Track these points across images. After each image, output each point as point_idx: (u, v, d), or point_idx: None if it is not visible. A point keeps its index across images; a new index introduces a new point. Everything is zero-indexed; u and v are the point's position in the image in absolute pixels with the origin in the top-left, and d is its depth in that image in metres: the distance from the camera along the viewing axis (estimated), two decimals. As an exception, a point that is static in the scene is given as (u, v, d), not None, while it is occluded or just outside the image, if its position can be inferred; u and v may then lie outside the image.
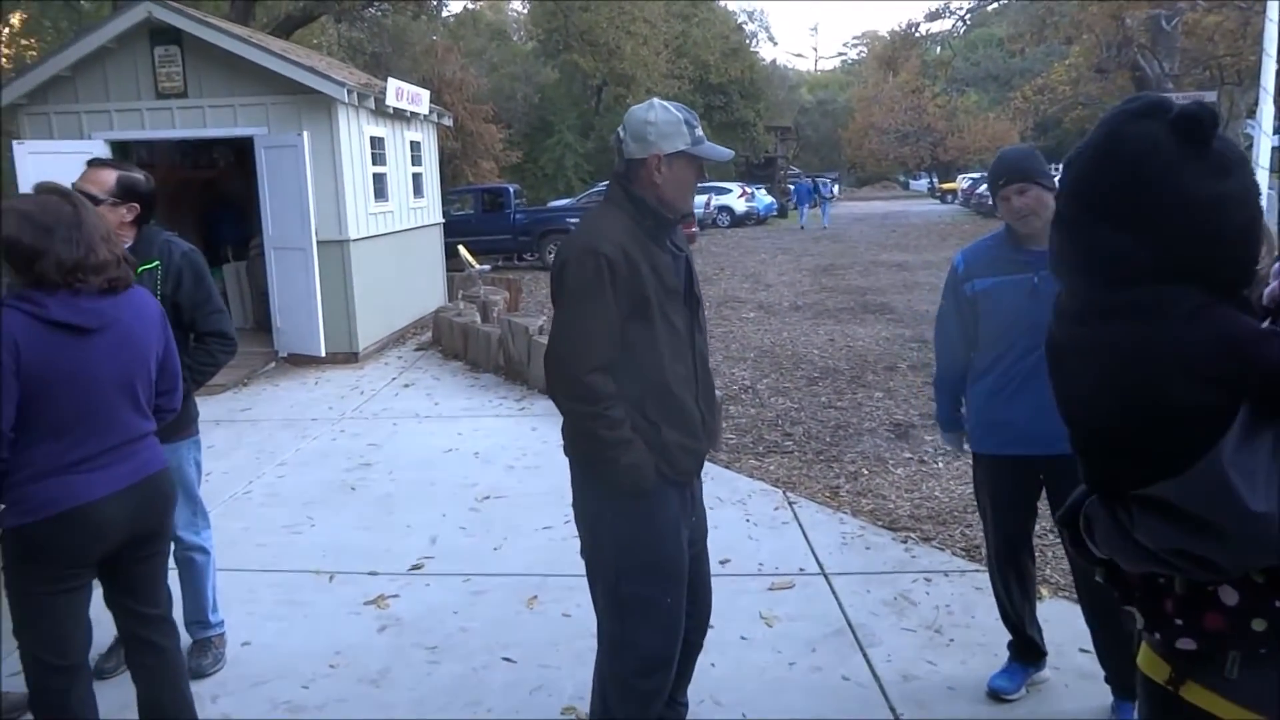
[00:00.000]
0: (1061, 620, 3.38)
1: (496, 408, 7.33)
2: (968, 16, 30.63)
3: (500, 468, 5.73)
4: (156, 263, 3.13)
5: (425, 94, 11.83)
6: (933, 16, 31.30)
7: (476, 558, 4.35)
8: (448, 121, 13.56)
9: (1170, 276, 1.31)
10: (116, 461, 2.40)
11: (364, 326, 9.49)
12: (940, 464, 5.49)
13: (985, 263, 2.95)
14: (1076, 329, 1.43)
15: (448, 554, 4.41)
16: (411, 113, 11.19)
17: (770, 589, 3.93)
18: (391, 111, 10.48)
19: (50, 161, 7.58)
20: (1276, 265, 1.40)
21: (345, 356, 9.26)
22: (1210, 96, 18.72)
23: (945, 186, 44.50)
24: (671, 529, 2.44)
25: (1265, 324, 1.34)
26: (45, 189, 2.42)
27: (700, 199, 26.02)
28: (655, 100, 2.44)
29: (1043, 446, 2.77)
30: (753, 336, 10.04)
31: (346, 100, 9.01)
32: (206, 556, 3.46)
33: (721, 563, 4.01)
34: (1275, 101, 7.49)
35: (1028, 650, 3.11)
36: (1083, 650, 3.14)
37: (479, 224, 17.87)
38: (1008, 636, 3.13)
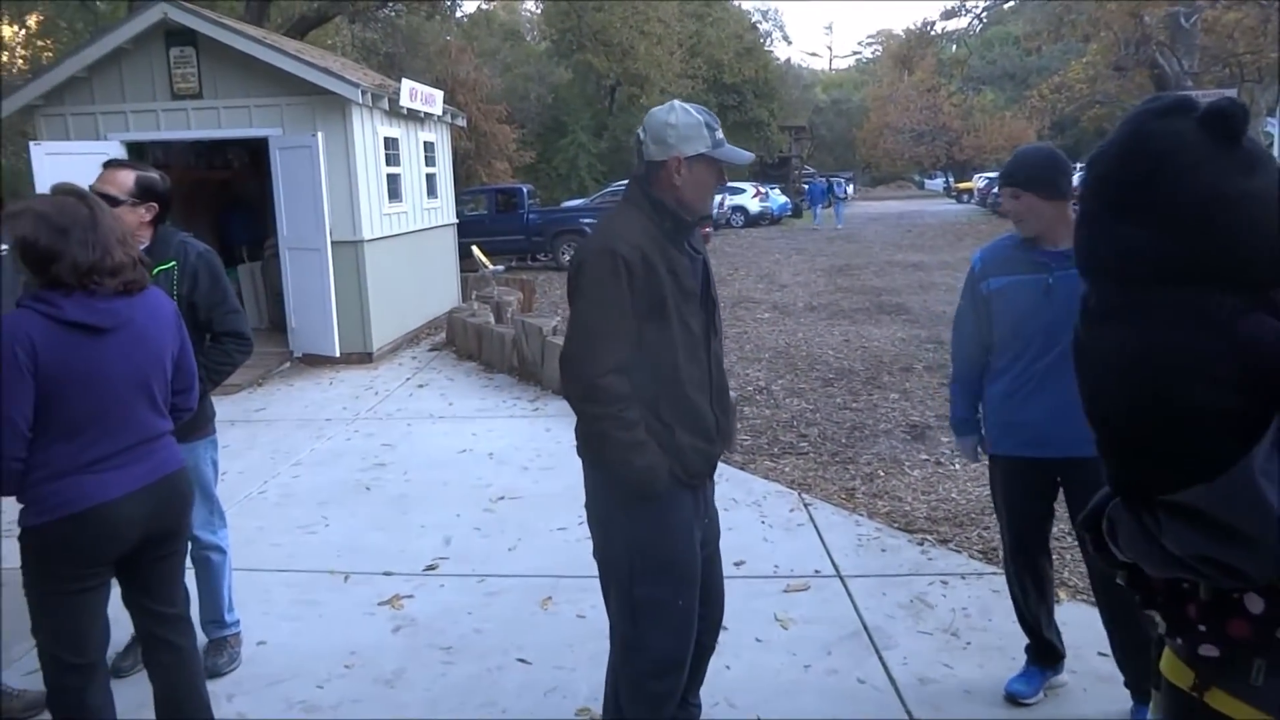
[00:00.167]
0: (1080, 623, 3.35)
1: (510, 408, 7.33)
2: (984, 14, 30.53)
3: (514, 468, 5.73)
4: (173, 263, 3.14)
5: (439, 94, 11.85)
6: (948, 14, 31.21)
7: (491, 558, 4.35)
8: (461, 122, 13.57)
9: (1196, 277, 1.28)
10: (133, 461, 2.41)
11: (378, 327, 9.52)
12: (957, 466, 5.45)
13: (1000, 262, 2.94)
14: (1100, 329, 1.41)
15: (462, 554, 4.41)
16: (425, 113, 11.21)
17: (785, 591, 3.91)
18: (405, 112, 10.50)
19: (67, 163, 7.63)
20: None
21: (360, 357, 9.29)
22: (1230, 94, 18.54)
23: (961, 186, 44.26)
24: (684, 531, 2.43)
25: None
26: (61, 190, 2.43)
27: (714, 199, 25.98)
28: (676, 102, 2.44)
29: (1057, 449, 2.77)
30: (767, 337, 10.01)
31: (361, 101, 9.04)
32: (223, 556, 3.47)
33: (736, 564, 4.00)
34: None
35: (1045, 653, 3.08)
36: (1101, 654, 3.11)
37: (493, 224, 17.90)
38: (1025, 640, 3.11)
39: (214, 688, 2.99)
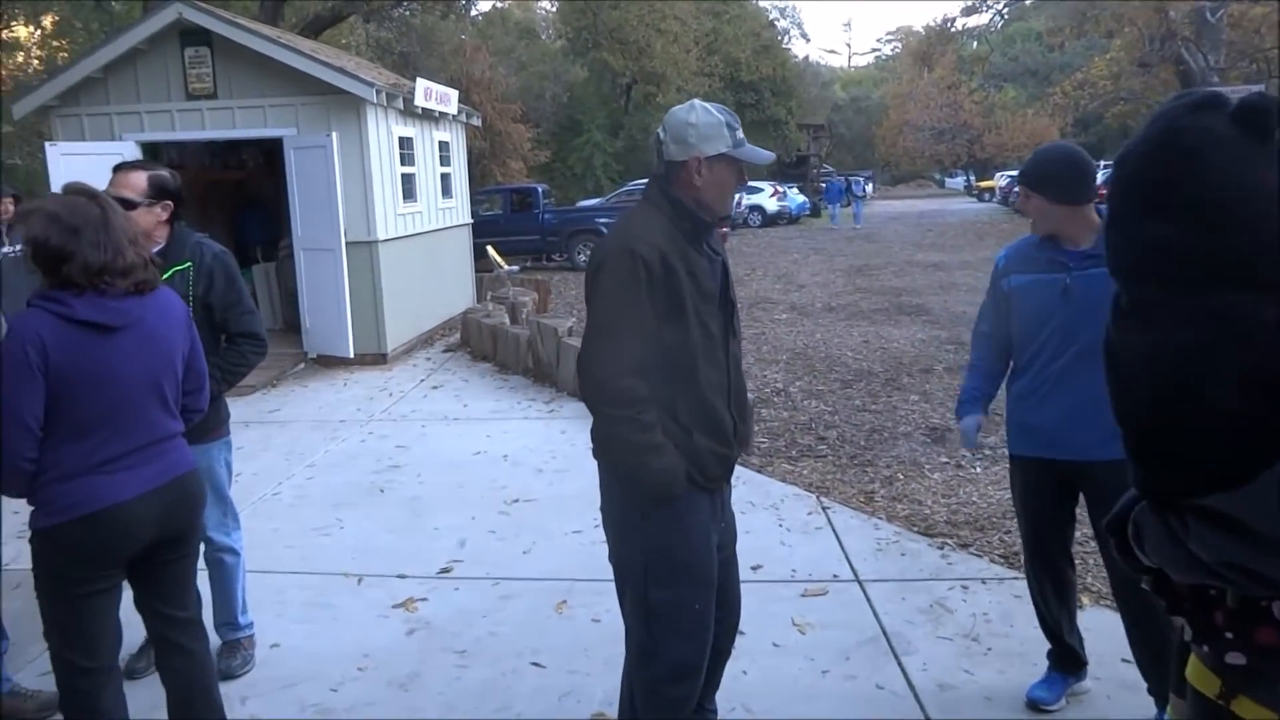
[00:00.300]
0: (1103, 629, 3.29)
1: (525, 410, 7.31)
2: (1005, 10, 30.34)
3: (529, 470, 5.70)
4: (189, 264, 3.14)
5: (454, 94, 11.85)
6: (969, 11, 31.01)
7: (505, 561, 4.33)
8: (476, 121, 13.57)
9: (1228, 276, 1.24)
10: (144, 462, 2.40)
11: (393, 327, 9.52)
12: (978, 469, 5.39)
13: (1022, 259, 2.92)
14: (1129, 329, 1.37)
15: (477, 557, 4.39)
16: (440, 113, 11.21)
17: (803, 595, 3.86)
18: (420, 111, 10.50)
19: (82, 163, 7.66)
20: None
21: (374, 358, 9.29)
22: (1259, 89, 18.36)
23: (982, 184, 43.99)
24: (701, 535, 2.40)
25: None
26: (73, 190, 2.42)
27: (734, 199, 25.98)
28: (696, 101, 2.41)
29: (1072, 451, 2.75)
30: (785, 338, 9.95)
31: (375, 100, 9.04)
32: (236, 558, 3.47)
33: (754, 568, 3.96)
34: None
35: (1068, 659, 3.03)
36: (1125, 660, 3.04)
37: (507, 224, 17.92)
38: (1047, 645, 3.06)
39: (227, 690, 2.98)
